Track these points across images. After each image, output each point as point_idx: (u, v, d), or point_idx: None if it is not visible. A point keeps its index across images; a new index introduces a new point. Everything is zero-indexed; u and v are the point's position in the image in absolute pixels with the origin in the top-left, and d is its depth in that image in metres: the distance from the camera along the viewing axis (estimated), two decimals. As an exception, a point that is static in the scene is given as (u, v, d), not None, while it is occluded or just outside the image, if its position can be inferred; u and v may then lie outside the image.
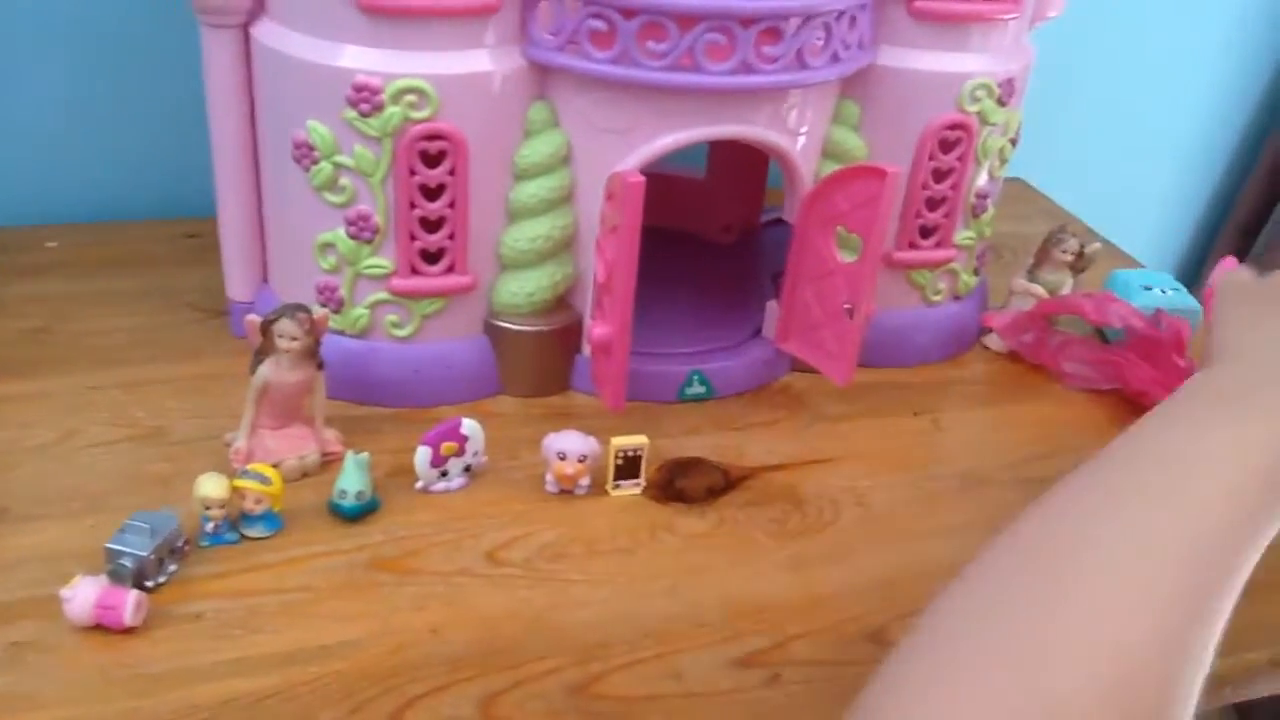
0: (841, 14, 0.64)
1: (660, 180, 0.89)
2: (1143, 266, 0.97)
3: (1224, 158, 1.31)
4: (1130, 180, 1.28)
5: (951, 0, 0.68)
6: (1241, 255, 1.29)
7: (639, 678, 0.53)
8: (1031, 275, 0.82)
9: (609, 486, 0.65)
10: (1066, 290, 0.82)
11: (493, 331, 0.71)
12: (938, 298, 0.79)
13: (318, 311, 0.63)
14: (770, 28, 0.61)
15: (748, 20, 0.60)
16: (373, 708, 0.50)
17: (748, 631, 0.56)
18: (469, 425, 0.63)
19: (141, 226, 0.88)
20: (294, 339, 0.62)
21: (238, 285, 0.74)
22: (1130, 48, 1.19)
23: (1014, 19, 0.71)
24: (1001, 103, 0.72)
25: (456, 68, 0.62)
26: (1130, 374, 0.76)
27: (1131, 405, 0.76)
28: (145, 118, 0.88)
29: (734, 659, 0.55)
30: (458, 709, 0.51)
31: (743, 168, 0.88)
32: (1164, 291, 0.82)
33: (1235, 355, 0.50)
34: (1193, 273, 1.36)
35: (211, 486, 0.58)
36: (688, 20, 0.60)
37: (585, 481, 0.64)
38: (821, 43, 0.64)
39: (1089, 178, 1.23)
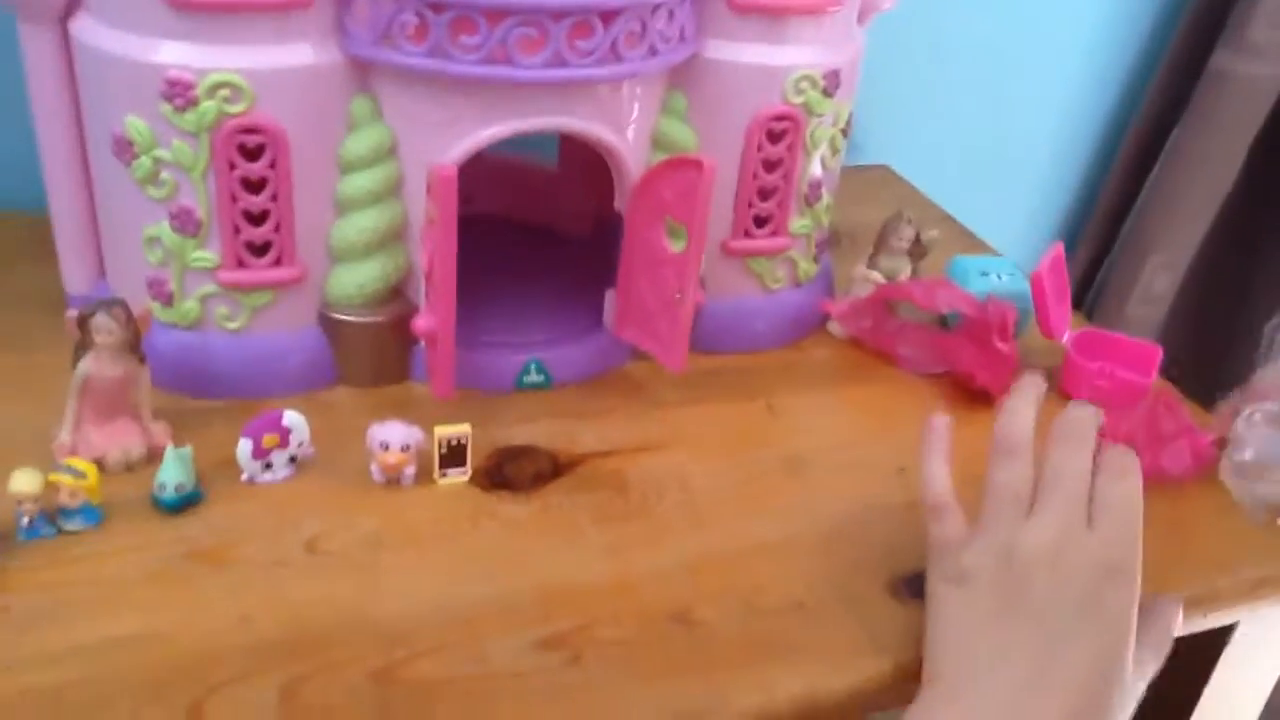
0: (658, 7, 0.65)
1: (512, 170, 0.90)
2: (995, 252, 0.99)
3: (1090, 143, 1.34)
4: (999, 165, 1.31)
5: (772, -7, 0.70)
6: (1107, 241, 1.33)
7: (443, 663, 0.54)
8: (871, 262, 0.84)
9: (435, 475, 0.66)
10: (904, 277, 0.84)
11: (326, 323, 0.71)
12: (777, 285, 0.81)
13: (139, 307, 0.63)
14: (582, 21, 0.62)
15: (558, 14, 0.61)
16: (174, 695, 0.51)
17: (556, 615, 0.57)
18: (291, 417, 0.64)
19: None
20: (110, 333, 0.62)
21: (75, 279, 0.74)
22: (999, 30, 1.21)
23: (837, 11, 0.73)
24: (828, 94, 0.74)
25: (271, 61, 0.62)
26: (959, 357, 0.78)
27: (961, 387, 0.79)
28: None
29: (538, 641, 0.56)
30: (260, 695, 0.51)
31: (594, 157, 0.88)
32: (999, 277, 0.84)
33: (946, 687, 0.51)
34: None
35: (23, 482, 0.58)
36: (497, 14, 0.61)
37: (410, 471, 0.65)
38: (638, 35, 0.65)
39: (957, 162, 1.26)
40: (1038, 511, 0.52)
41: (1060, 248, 0.81)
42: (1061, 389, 0.80)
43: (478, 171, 0.69)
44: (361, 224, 0.68)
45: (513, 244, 0.89)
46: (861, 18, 0.78)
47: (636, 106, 0.70)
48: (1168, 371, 0.82)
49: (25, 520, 0.59)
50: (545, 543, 0.63)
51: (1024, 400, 0.57)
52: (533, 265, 0.87)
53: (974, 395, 0.78)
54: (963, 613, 0.52)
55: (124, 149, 0.64)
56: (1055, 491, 0.52)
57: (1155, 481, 0.66)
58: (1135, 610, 0.51)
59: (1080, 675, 0.49)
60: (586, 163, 0.88)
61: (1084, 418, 0.54)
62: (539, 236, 0.92)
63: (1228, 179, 1.25)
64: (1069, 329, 0.82)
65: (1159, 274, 1.31)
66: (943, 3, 1.14)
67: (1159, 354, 0.79)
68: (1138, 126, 1.27)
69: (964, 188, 1.19)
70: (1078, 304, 1.35)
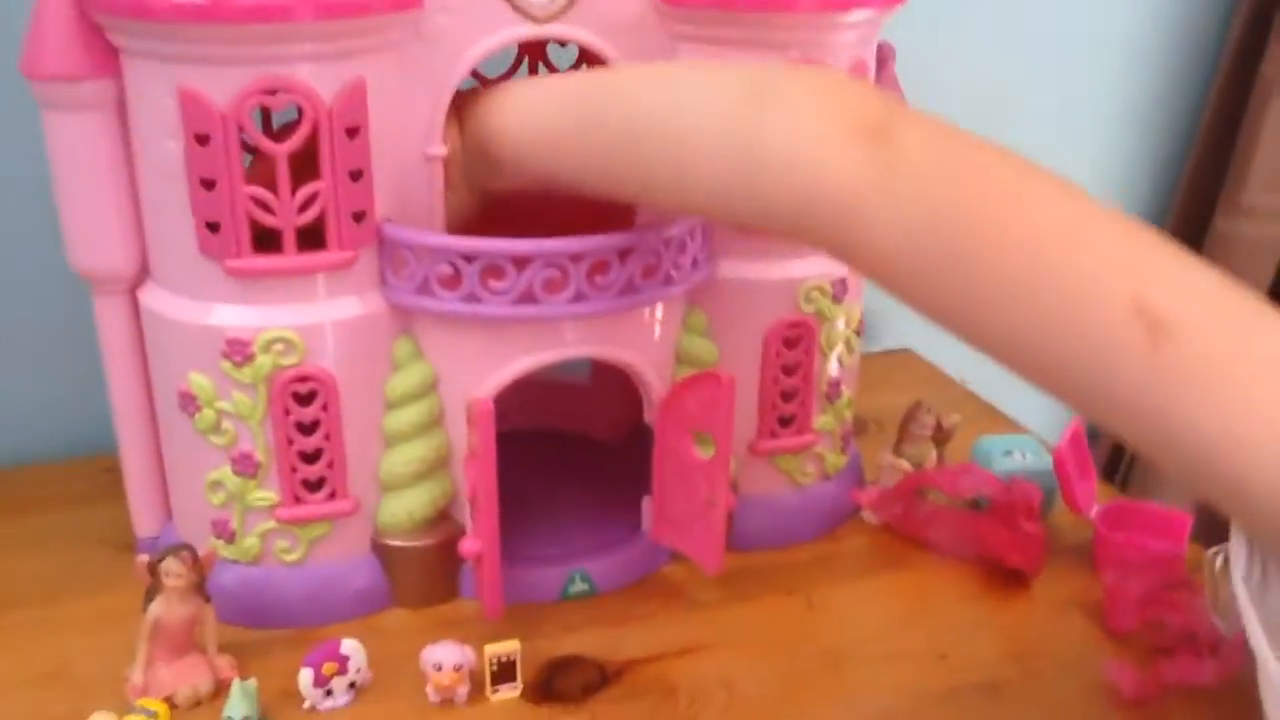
0: (670, 241, 0.71)
1: (547, 387, 0.95)
2: (1019, 428, 1.02)
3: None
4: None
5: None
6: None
7: None
8: (897, 449, 0.87)
9: (488, 692, 0.68)
10: (930, 462, 0.87)
11: (379, 549, 0.75)
12: (807, 480, 0.84)
13: (203, 549, 0.68)
14: (600, 260, 0.68)
15: (577, 256, 0.67)
16: None
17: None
18: (349, 644, 0.67)
19: (58, 468, 0.93)
20: (179, 576, 0.66)
21: (143, 523, 0.79)
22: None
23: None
24: (837, 300, 0.79)
25: (320, 316, 0.68)
26: (990, 539, 0.80)
27: (995, 569, 0.80)
28: (61, 362, 0.95)
29: None
30: None
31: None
32: (1024, 456, 0.87)
33: None
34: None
35: (101, 727, 0.62)
36: (523, 260, 0.67)
37: (464, 689, 0.67)
38: (653, 267, 0.71)
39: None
40: None
41: (1079, 424, 0.84)
42: (1094, 563, 0.81)
43: (512, 390, 0.74)
44: (409, 455, 0.72)
45: (550, 453, 0.94)
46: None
47: (658, 328, 0.74)
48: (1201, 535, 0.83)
49: (102, 763, 0.62)
50: (597, 755, 0.65)
51: None
52: (571, 473, 0.91)
53: (1008, 576, 0.80)
54: None
55: (188, 403, 0.70)
56: None
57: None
58: None
59: None
60: (617, 374, 0.93)
61: None
62: (575, 444, 0.96)
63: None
64: (1096, 502, 0.84)
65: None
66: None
67: (1189, 521, 0.81)
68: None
69: (986, 363, 1.22)
70: (1113, 470, 1.37)
